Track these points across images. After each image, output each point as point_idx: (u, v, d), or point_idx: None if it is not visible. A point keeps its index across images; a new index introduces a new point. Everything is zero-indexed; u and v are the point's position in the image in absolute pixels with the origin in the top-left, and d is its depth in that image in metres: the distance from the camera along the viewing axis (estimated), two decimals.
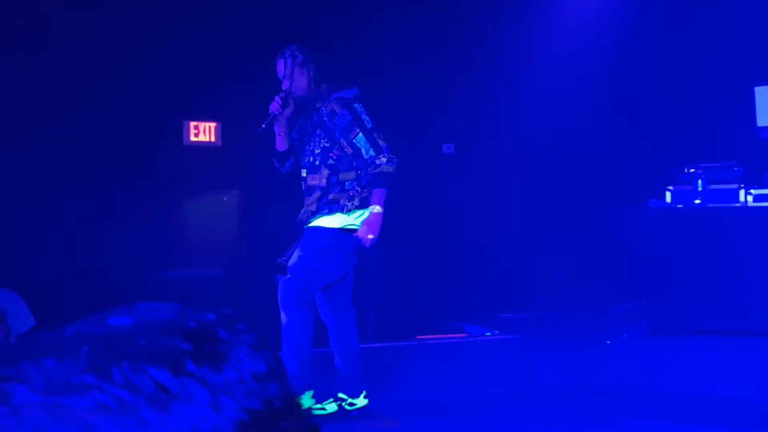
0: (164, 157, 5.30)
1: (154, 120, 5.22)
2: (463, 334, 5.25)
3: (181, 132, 5.45)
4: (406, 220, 5.71)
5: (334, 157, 3.49)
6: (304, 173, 3.57)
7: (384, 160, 3.41)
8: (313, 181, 3.52)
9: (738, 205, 4.00)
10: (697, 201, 4.13)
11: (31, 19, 4.80)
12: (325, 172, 3.49)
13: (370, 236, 3.41)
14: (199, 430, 0.41)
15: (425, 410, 3.72)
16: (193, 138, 5.48)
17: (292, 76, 3.45)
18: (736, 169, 4.13)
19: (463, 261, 5.82)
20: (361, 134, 3.42)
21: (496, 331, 5.26)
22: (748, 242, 3.85)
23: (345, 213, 3.47)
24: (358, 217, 3.48)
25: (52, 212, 4.83)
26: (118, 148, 5.07)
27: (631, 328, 4.31)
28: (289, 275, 3.50)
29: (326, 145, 3.49)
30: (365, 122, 3.45)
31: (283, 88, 3.45)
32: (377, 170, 3.41)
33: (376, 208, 3.40)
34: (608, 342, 4.19)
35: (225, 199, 5.50)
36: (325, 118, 3.47)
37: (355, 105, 3.48)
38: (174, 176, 5.35)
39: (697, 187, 4.14)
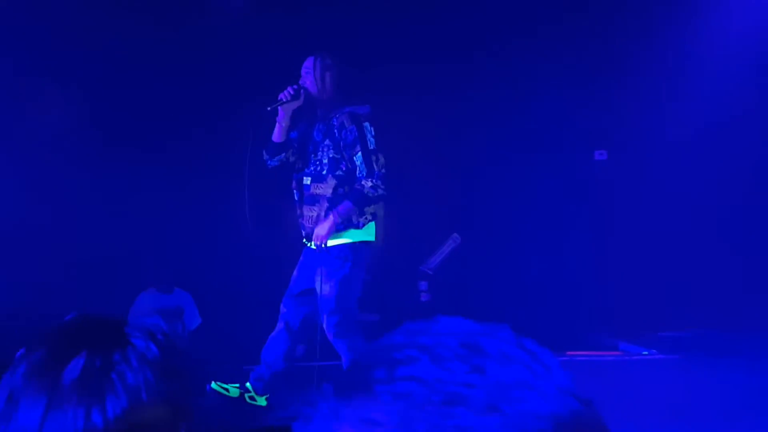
0: None
1: None
2: (617, 352, 4.95)
3: None
4: (559, 230, 5.50)
5: (344, 169, 3.50)
6: (307, 181, 3.56)
7: (369, 184, 3.43)
8: (317, 190, 3.52)
9: None
10: None
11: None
12: (332, 182, 3.49)
13: (318, 240, 3.41)
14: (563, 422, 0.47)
15: None
16: None
17: (314, 73, 3.49)
18: None
19: (620, 273, 5.49)
20: (360, 153, 3.43)
21: (654, 351, 4.90)
22: None
23: (360, 228, 3.50)
24: (370, 229, 3.54)
25: (222, 217, 5.17)
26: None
27: None
28: (329, 312, 3.50)
29: (335, 156, 3.50)
30: (368, 142, 3.44)
31: (300, 82, 3.50)
32: (358, 187, 3.44)
33: (334, 217, 3.41)
34: None
35: None
36: (335, 130, 3.49)
37: (365, 123, 3.47)
38: None
39: None
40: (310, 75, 3.51)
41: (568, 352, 4.75)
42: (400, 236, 5.43)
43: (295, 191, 3.64)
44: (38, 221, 4.75)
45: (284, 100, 3.45)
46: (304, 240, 3.63)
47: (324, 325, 3.50)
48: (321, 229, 3.42)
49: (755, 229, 5.20)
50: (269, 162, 3.63)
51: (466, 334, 0.50)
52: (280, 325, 3.66)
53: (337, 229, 3.44)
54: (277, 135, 3.55)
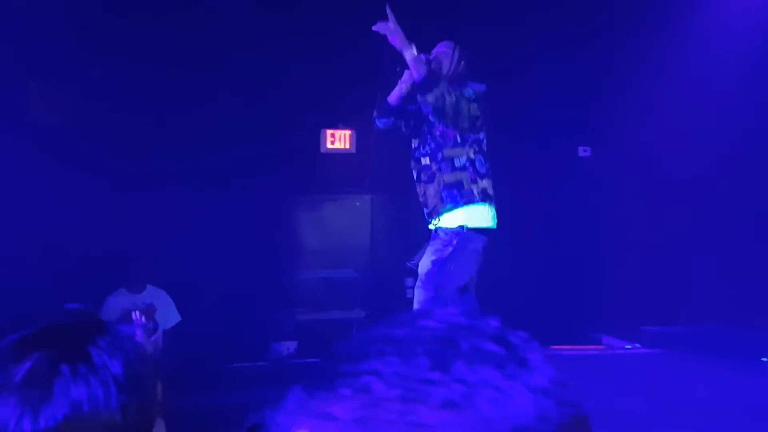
0: (305, 164, 5.54)
1: (296, 129, 5.46)
2: (601, 346, 5.01)
3: (318, 140, 5.66)
4: (543, 225, 5.54)
5: (458, 140, 3.47)
6: (426, 161, 3.50)
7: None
8: (434, 166, 3.47)
9: None
10: None
11: (158, 27, 5.17)
12: (440, 155, 3.47)
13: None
14: (526, 425, 0.44)
15: None
16: (329, 145, 5.67)
17: (453, 55, 3.49)
18: None
19: (603, 269, 5.54)
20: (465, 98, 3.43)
21: (637, 345, 4.96)
22: None
23: (473, 203, 3.42)
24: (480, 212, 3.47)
25: (199, 216, 5.16)
26: (259, 155, 5.34)
27: None
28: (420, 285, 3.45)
29: (450, 130, 3.46)
30: (473, 108, 3.44)
31: (432, 57, 3.46)
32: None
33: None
34: (764, 359, 3.81)
35: (358, 203, 5.63)
36: (452, 106, 3.42)
37: (480, 96, 3.47)
38: (311, 182, 5.57)
39: None
40: (447, 57, 3.50)
41: (553, 347, 4.80)
42: (387, 232, 5.47)
43: (414, 171, 3.59)
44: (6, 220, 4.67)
45: (388, 29, 3.39)
46: (431, 224, 3.54)
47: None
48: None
49: (737, 226, 5.26)
50: (377, 122, 3.58)
51: (444, 328, 0.48)
52: None
53: (448, 206, 3.41)
54: (395, 97, 3.49)
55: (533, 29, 5.46)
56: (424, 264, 3.43)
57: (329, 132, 5.69)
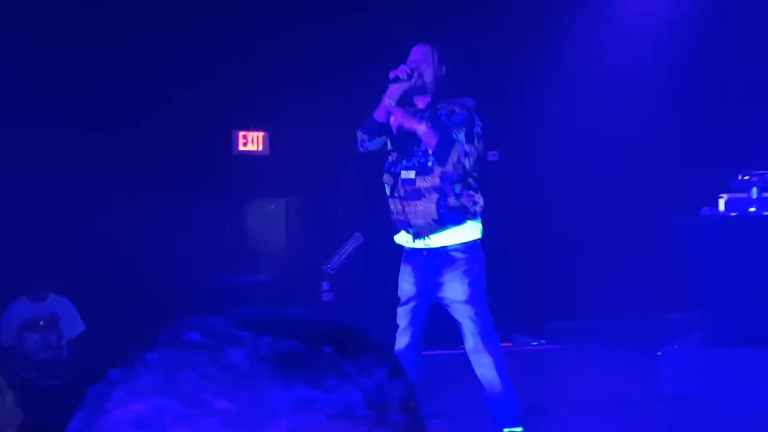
0: (215, 166, 5.42)
1: (205, 130, 5.34)
2: (509, 344, 5.18)
3: (230, 141, 5.56)
4: None
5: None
6: (409, 175, 3.21)
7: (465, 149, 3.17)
8: (424, 183, 3.20)
9: None
10: (751, 209, 4.01)
11: (78, 31, 4.97)
12: (439, 170, 3.18)
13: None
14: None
15: (465, 418, 3.68)
16: (241, 147, 5.58)
17: (433, 61, 3.22)
18: None
19: (509, 268, 5.75)
20: (464, 134, 3.17)
21: (543, 341, 5.18)
22: None
23: (476, 219, 3.25)
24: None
25: (103, 219, 4.97)
26: (168, 157, 5.20)
27: (684, 338, 4.19)
28: (473, 314, 3.20)
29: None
30: (476, 126, 3.22)
31: (413, 66, 3.17)
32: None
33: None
34: (659, 353, 4.08)
35: (272, 207, 5.58)
36: (443, 118, 3.20)
37: (474, 113, 3.25)
38: (223, 185, 5.46)
39: (752, 195, 4.03)
40: (428, 63, 3.21)
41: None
42: (302, 235, 5.45)
43: (389, 186, 3.30)
44: None
45: (402, 77, 3.11)
46: (406, 242, 3.29)
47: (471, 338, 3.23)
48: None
49: (635, 224, 5.58)
50: (367, 144, 3.25)
51: (216, 331, 0.44)
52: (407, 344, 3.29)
53: (452, 223, 3.19)
54: (381, 114, 3.19)
55: (434, 32, 5.58)
56: (460, 291, 3.19)
57: (241, 133, 5.61)
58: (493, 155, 6.01)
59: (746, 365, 3.75)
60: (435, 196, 3.18)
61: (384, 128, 3.21)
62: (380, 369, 0.45)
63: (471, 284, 3.19)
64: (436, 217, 3.18)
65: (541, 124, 5.87)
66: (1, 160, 4.70)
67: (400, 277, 3.33)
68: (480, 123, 3.23)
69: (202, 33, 5.24)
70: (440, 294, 3.23)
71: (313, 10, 5.44)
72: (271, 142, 5.60)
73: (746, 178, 4.14)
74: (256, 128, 5.62)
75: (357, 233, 4.93)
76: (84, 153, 4.97)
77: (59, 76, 4.88)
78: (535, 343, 5.16)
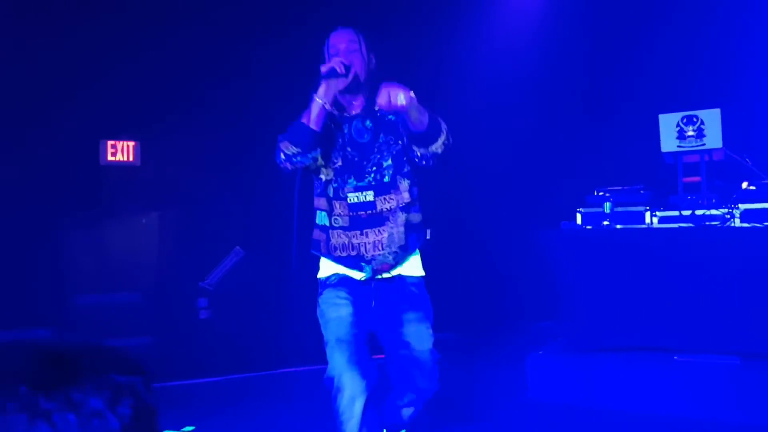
0: (80, 177, 5.15)
1: (69, 139, 5.07)
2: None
3: (97, 151, 5.31)
4: None
5: (406, 160, 2.60)
6: (365, 197, 2.54)
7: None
8: (388, 204, 2.55)
9: (644, 226, 4.21)
10: (605, 222, 4.33)
11: None
12: (405, 183, 2.58)
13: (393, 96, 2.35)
14: None
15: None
16: (110, 157, 5.35)
17: (361, 49, 2.57)
18: (642, 192, 4.34)
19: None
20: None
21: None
22: (654, 262, 4.06)
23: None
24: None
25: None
26: (33, 167, 4.89)
27: (547, 345, 4.45)
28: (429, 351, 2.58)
29: (397, 147, 2.58)
30: None
31: (343, 60, 2.51)
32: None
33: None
34: (524, 359, 4.31)
35: (144, 220, 5.38)
36: (388, 117, 2.60)
37: None
38: (91, 197, 5.20)
39: (606, 210, 4.34)
40: (356, 52, 2.56)
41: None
42: (177, 250, 5.29)
43: (327, 215, 2.59)
44: None
45: (339, 71, 2.46)
46: (363, 274, 2.59)
47: (422, 379, 2.60)
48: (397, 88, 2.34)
49: (504, 241, 5.84)
50: (300, 158, 2.49)
51: None
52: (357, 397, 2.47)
53: (413, 250, 2.60)
54: (318, 120, 2.46)
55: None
56: (426, 337, 2.60)
57: (110, 143, 5.37)
58: None
59: (601, 370, 4.04)
60: (402, 217, 2.56)
61: (320, 137, 2.50)
62: (96, 398, 0.43)
63: (432, 325, 2.66)
64: (403, 242, 2.57)
65: None
66: None
67: (331, 302, 2.58)
68: None
69: (72, 34, 4.98)
70: (405, 339, 2.60)
71: (191, 16, 5.31)
72: (143, 151, 5.40)
73: (601, 194, 4.46)
74: (126, 137, 5.40)
75: (237, 247, 4.85)
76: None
77: None
78: None
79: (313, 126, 2.47)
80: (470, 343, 5.40)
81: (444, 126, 2.50)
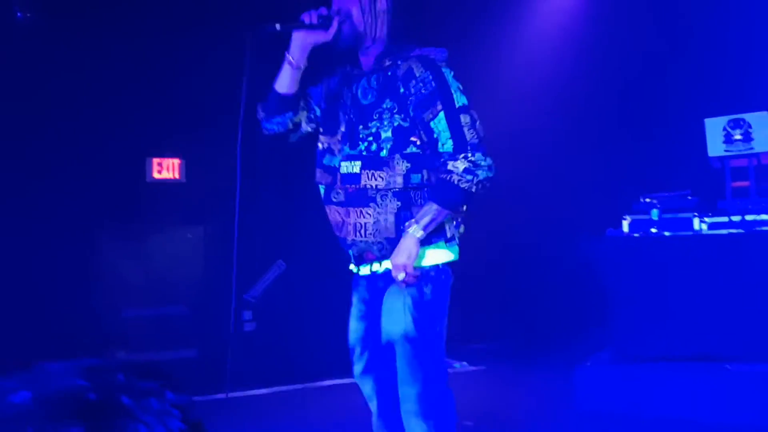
0: (128, 194, 5.29)
1: (118, 157, 5.21)
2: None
3: (144, 169, 5.45)
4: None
5: (418, 144, 2.11)
6: (352, 168, 2.13)
7: (462, 166, 2.05)
8: (373, 181, 2.10)
9: (692, 233, 4.13)
10: (653, 230, 4.26)
11: None
12: (404, 165, 2.10)
13: (398, 272, 2.06)
14: None
15: None
16: (156, 175, 5.48)
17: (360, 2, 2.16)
18: (690, 198, 4.26)
19: None
20: (442, 114, 2.08)
21: (465, 363, 5.29)
22: (703, 269, 3.97)
23: (449, 244, 2.19)
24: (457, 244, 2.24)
25: (7, 247, 4.75)
26: (83, 184, 5.04)
27: (594, 355, 4.38)
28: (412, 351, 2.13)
29: (402, 124, 2.11)
30: (454, 98, 2.10)
31: (336, 6, 2.17)
32: (444, 176, 2.07)
33: (415, 230, 2.06)
34: (572, 368, 4.25)
35: (189, 235, 5.48)
36: (399, 83, 2.13)
37: (444, 70, 2.14)
38: (138, 213, 5.33)
39: (653, 216, 4.27)
40: (354, 3, 2.16)
41: None
42: (222, 265, 5.36)
43: (324, 186, 2.23)
44: None
45: (308, 23, 2.10)
46: (352, 265, 2.25)
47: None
48: (400, 257, 2.04)
49: (550, 249, 5.79)
50: (266, 124, 2.28)
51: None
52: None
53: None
54: (286, 82, 2.17)
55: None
56: (397, 318, 2.13)
57: (156, 161, 5.50)
58: None
59: (650, 380, 3.96)
60: (395, 204, 2.11)
61: (290, 103, 2.21)
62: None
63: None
64: (393, 235, 2.11)
65: None
66: None
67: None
68: (459, 85, 2.15)
69: (114, 53, 5.12)
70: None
71: (234, 35, 5.42)
72: (188, 168, 5.52)
73: (648, 200, 4.39)
74: (172, 155, 5.53)
75: (279, 260, 4.90)
76: None
77: None
78: (458, 365, 5.27)
79: (278, 88, 2.19)
80: (517, 352, 5.35)
81: (473, 187, 2.08)
